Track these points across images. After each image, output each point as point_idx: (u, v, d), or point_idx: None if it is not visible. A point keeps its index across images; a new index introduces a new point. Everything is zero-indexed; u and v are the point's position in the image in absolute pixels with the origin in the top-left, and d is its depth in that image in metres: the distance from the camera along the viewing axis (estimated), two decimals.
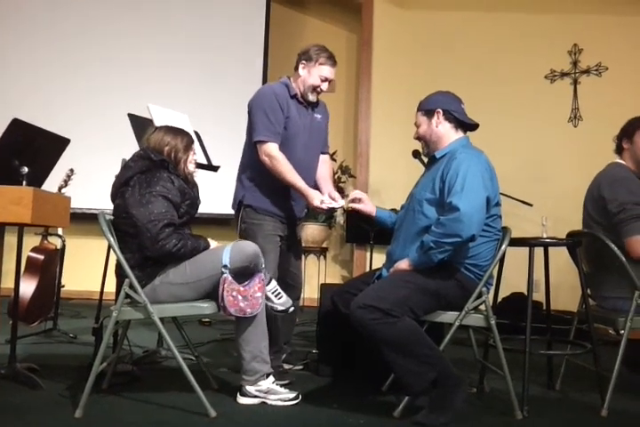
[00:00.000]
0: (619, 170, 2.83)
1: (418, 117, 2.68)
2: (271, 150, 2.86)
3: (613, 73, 5.61)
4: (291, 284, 3.06)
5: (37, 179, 2.80)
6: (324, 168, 3.15)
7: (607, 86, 5.57)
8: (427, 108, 2.65)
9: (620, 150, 2.91)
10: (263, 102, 2.91)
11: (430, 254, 2.39)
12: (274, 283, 2.66)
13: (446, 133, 2.62)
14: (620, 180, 2.76)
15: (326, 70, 2.96)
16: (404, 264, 2.48)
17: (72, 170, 3.84)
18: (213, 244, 2.59)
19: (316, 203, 2.81)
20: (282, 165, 2.85)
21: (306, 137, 3.01)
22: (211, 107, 5.74)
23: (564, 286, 3.74)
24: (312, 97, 3.00)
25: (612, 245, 2.60)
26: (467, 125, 2.66)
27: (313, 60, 2.94)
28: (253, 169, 2.97)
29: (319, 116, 3.10)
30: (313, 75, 2.95)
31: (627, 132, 2.88)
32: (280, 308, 2.65)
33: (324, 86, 2.99)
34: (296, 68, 3.00)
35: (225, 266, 2.42)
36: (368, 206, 2.83)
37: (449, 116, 2.61)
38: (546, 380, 2.93)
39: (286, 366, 3.08)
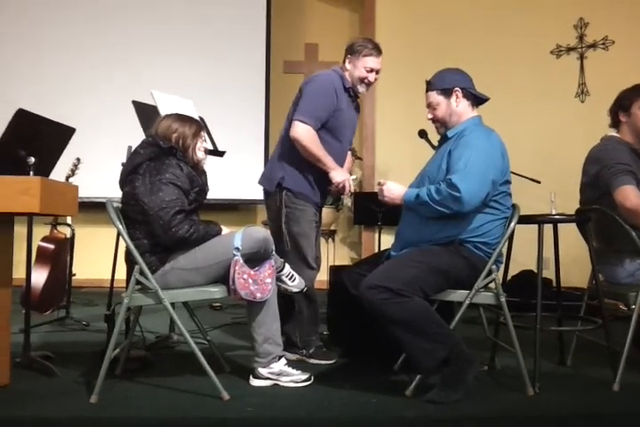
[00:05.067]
0: (608, 144, 2.77)
1: (434, 97, 2.63)
2: (306, 131, 2.84)
3: (620, 46, 5.54)
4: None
5: (44, 168, 2.80)
6: (347, 161, 3.21)
7: (614, 60, 5.51)
8: (443, 88, 2.61)
9: (616, 124, 2.85)
10: (320, 88, 2.92)
11: (420, 208, 2.47)
12: (287, 267, 2.69)
13: (464, 112, 2.61)
14: (606, 151, 2.73)
15: (370, 61, 2.97)
16: (398, 198, 2.54)
17: (78, 159, 3.85)
18: (225, 230, 2.61)
19: (342, 178, 2.87)
20: (312, 141, 2.85)
21: (350, 130, 3.07)
22: (215, 91, 5.68)
23: (573, 262, 3.73)
24: (362, 89, 3.04)
25: (622, 221, 2.59)
26: (480, 100, 2.65)
27: (357, 53, 2.96)
28: (297, 152, 2.92)
29: (357, 112, 3.15)
30: (358, 67, 2.97)
31: (622, 105, 2.80)
32: (295, 289, 2.72)
33: (372, 77, 3.00)
34: (343, 63, 3.02)
35: (237, 248, 2.43)
36: None
37: (467, 93, 2.60)
38: (557, 356, 2.93)
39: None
